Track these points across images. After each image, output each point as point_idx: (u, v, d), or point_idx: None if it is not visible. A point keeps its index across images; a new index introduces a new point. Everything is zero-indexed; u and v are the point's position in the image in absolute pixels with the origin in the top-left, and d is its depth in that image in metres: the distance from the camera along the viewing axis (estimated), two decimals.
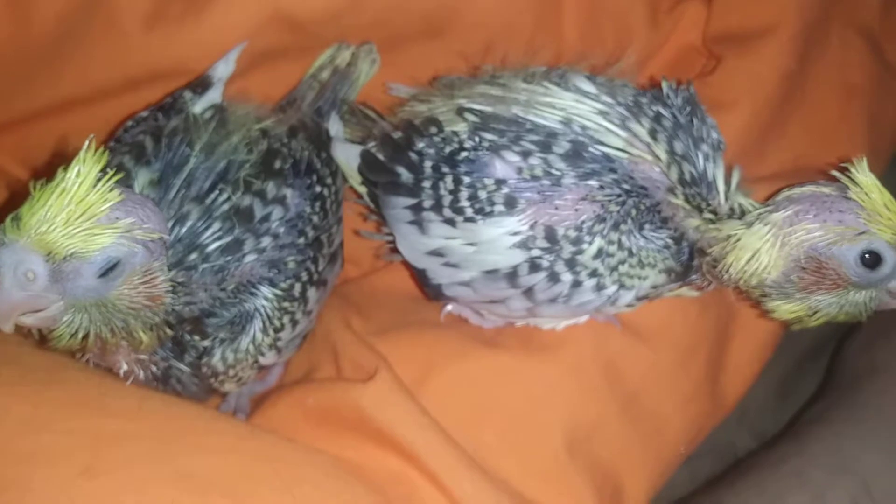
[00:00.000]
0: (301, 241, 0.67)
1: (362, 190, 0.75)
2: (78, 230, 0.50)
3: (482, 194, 0.63)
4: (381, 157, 0.70)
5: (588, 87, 0.67)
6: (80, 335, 0.55)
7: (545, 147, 0.63)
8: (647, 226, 0.64)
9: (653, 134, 0.64)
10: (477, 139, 0.65)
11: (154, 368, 0.64)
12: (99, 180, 0.51)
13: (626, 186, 0.63)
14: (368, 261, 0.86)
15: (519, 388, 0.72)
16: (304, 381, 0.74)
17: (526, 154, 0.63)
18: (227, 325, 0.65)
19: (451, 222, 0.65)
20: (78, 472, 0.56)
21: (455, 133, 0.66)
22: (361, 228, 0.82)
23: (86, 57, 0.78)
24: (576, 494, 0.70)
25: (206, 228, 0.62)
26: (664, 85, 0.67)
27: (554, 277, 0.64)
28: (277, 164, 0.68)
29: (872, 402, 0.85)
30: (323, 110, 0.80)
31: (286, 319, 0.67)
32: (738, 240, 0.62)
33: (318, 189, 0.70)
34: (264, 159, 0.67)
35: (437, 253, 0.67)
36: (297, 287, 0.67)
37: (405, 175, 0.67)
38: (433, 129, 0.68)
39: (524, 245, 0.63)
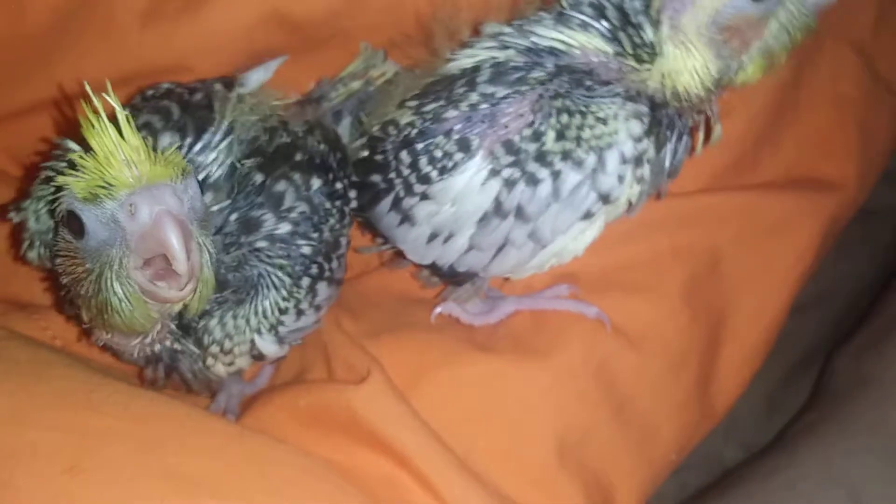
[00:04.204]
0: (316, 235, 0.66)
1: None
2: (161, 158, 0.50)
3: (437, 153, 0.64)
4: (356, 179, 0.72)
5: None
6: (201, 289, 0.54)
7: (471, 83, 0.64)
8: (586, 83, 0.63)
9: (584, 27, 0.64)
10: (421, 116, 0.66)
11: (157, 347, 0.62)
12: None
13: (550, 68, 0.63)
14: (360, 262, 0.86)
15: (510, 393, 0.72)
16: (296, 383, 0.74)
17: (458, 101, 0.64)
18: (231, 291, 0.64)
19: (425, 196, 0.66)
20: (63, 469, 0.55)
21: (408, 123, 0.67)
22: (360, 245, 0.81)
23: (81, 52, 0.78)
24: (566, 500, 0.70)
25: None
26: None
27: (532, 180, 0.63)
28: (298, 157, 0.68)
29: (862, 414, 0.86)
30: (343, 114, 0.80)
31: (291, 304, 0.65)
32: (670, 71, 0.63)
33: (336, 186, 0.70)
34: (285, 150, 0.67)
35: (432, 236, 0.67)
36: (306, 279, 0.66)
37: (378, 179, 0.69)
38: (391, 129, 0.68)
39: (493, 172, 0.63)
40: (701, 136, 0.70)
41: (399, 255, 0.74)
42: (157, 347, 0.62)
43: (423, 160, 0.65)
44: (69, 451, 0.56)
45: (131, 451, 0.58)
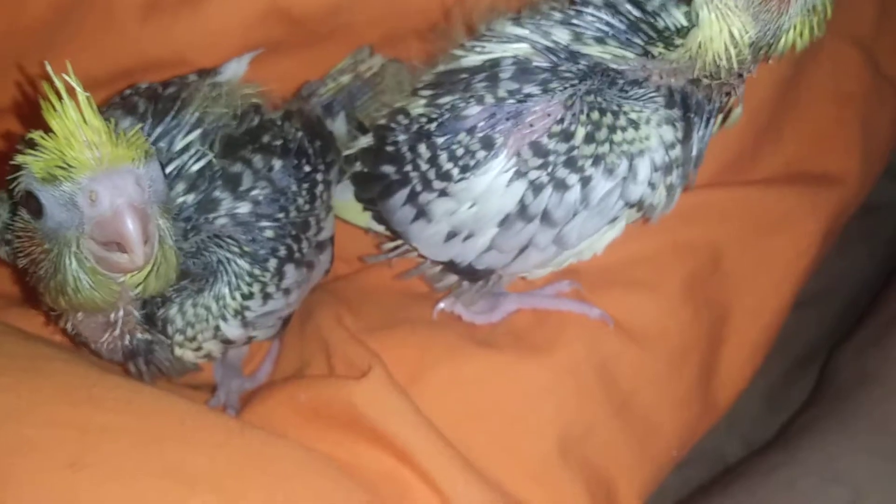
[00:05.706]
0: (282, 216, 0.65)
1: (367, 220, 0.74)
2: (123, 140, 0.49)
3: (459, 150, 0.63)
4: (365, 169, 0.70)
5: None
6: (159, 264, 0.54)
7: (493, 79, 0.62)
8: (619, 82, 0.62)
9: (600, 41, 0.63)
10: (437, 108, 0.64)
11: (127, 339, 0.62)
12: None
13: (581, 66, 0.62)
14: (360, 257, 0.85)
15: (512, 389, 0.72)
16: (296, 378, 0.73)
17: (481, 97, 0.62)
18: (189, 280, 0.63)
19: (444, 193, 0.64)
20: (64, 464, 0.55)
21: (421, 114, 0.66)
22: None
23: (80, 46, 0.77)
24: (568, 496, 0.70)
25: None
26: None
27: (560, 185, 0.61)
28: (266, 139, 0.67)
29: (865, 411, 0.85)
30: (334, 109, 0.79)
31: (256, 288, 0.64)
32: (704, 39, 0.60)
33: (307, 169, 0.69)
34: (253, 132, 0.67)
35: (450, 234, 0.66)
36: (273, 261, 0.65)
37: (391, 170, 0.67)
38: (401, 118, 0.67)
39: (519, 173, 0.62)
40: (720, 116, 0.67)
41: (410, 259, 0.73)
42: (128, 339, 0.62)
43: (444, 156, 0.63)
44: (70, 447, 0.56)
45: (132, 446, 0.58)
